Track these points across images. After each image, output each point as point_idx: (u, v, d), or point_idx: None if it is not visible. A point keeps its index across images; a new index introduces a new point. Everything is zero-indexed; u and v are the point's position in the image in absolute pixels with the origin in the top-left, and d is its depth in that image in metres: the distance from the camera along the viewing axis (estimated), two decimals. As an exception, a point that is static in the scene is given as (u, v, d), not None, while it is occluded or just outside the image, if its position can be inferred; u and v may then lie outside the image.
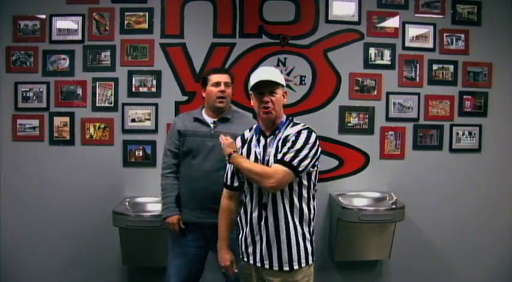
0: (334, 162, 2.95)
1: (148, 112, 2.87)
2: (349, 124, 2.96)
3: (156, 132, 2.86)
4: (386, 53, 2.96)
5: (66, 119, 2.86)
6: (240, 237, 1.84)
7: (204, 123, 2.27)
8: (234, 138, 1.92)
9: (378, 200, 2.85)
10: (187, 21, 2.87)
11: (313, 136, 1.72)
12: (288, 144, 1.69)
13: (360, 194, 2.89)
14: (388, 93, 2.97)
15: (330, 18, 2.92)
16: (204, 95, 2.31)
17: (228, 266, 1.87)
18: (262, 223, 1.73)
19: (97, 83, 2.86)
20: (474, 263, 3.05)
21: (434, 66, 2.99)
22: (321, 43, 2.92)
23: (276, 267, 1.71)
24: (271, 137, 1.78)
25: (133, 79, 2.87)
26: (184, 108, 2.77)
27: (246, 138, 1.88)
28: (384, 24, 2.96)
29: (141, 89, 2.88)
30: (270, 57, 2.89)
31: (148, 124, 2.87)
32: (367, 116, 2.96)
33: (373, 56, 2.95)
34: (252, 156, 1.79)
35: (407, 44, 2.97)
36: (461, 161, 3.03)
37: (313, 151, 1.70)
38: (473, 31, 3.00)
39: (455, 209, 3.01)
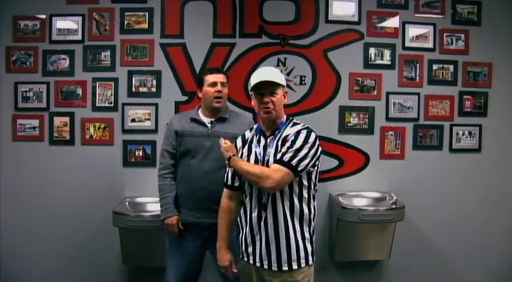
0: (334, 162, 2.95)
1: (148, 112, 2.87)
2: (349, 124, 2.96)
3: (156, 132, 2.86)
4: (386, 53, 2.96)
5: (66, 119, 2.86)
6: (240, 237, 1.84)
7: (201, 123, 2.27)
8: (232, 138, 1.91)
9: (378, 200, 2.85)
10: (187, 21, 2.87)
11: (313, 136, 1.72)
12: (287, 144, 1.69)
13: (360, 194, 2.89)
14: (388, 93, 2.97)
15: (330, 18, 2.92)
16: (200, 95, 2.31)
17: (227, 266, 1.87)
18: (262, 223, 1.73)
19: (97, 83, 2.86)
20: (474, 263, 3.05)
21: (434, 66, 2.99)
22: (321, 43, 2.92)
23: (274, 267, 1.71)
24: (271, 137, 1.78)
25: (133, 79, 2.87)
26: (184, 108, 2.77)
27: (246, 138, 1.88)
28: (383, 24, 2.96)
29: (141, 89, 2.88)
30: (270, 57, 2.89)
31: (148, 124, 2.87)
32: (367, 116, 2.96)
33: (373, 56, 2.95)
34: (253, 157, 1.78)
35: (407, 44, 2.98)
36: (461, 161, 3.03)
37: (313, 151, 1.70)
38: (473, 31, 3.00)
39: (455, 209, 3.01)
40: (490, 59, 3.02)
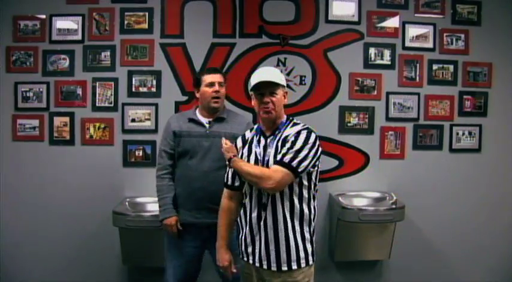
0: (334, 162, 2.95)
1: (148, 112, 2.87)
2: (349, 124, 2.96)
3: (156, 132, 2.86)
4: (386, 53, 2.96)
5: (66, 119, 2.86)
6: (240, 236, 1.84)
7: (199, 123, 2.27)
8: (231, 138, 1.91)
9: (378, 200, 2.85)
10: (187, 21, 2.87)
11: (313, 136, 1.72)
12: (288, 145, 1.69)
13: (360, 194, 2.89)
14: (388, 93, 2.97)
15: (330, 18, 2.92)
16: (197, 95, 2.31)
17: (226, 266, 1.87)
18: (261, 223, 1.73)
19: (97, 83, 2.86)
20: (474, 263, 3.05)
21: (434, 66, 2.99)
22: (321, 43, 2.92)
23: (274, 268, 1.71)
24: (271, 137, 1.78)
25: (133, 79, 2.87)
26: (184, 108, 2.76)
27: (246, 138, 1.88)
28: (383, 24, 2.96)
29: (141, 89, 2.88)
30: (270, 57, 2.89)
31: (148, 124, 2.87)
32: (367, 116, 2.96)
33: (373, 56, 2.95)
34: (253, 157, 1.78)
35: (407, 44, 2.97)
36: (461, 161, 3.03)
37: (313, 151, 1.70)
38: (473, 31, 3.00)
39: (455, 209, 3.01)
40: (490, 59, 3.01)
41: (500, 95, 3.03)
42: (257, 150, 1.79)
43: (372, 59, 2.95)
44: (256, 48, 2.89)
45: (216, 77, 2.26)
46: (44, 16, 2.85)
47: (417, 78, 2.99)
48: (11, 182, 2.85)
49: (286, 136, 1.73)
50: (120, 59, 2.86)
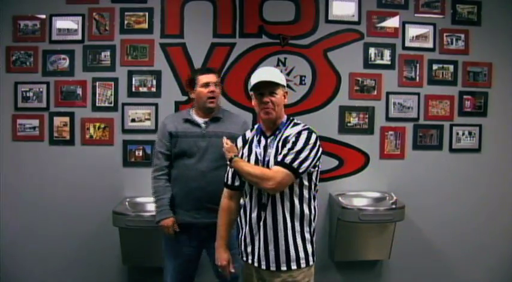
0: (334, 162, 2.95)
1: (148, 112, 2.87)
2: (349, 124, 2.96)
3: (156, 132, 2.84)
4: (386, 53, 2.96)
5: (66, 119, 2.86)
6: (239, 236, 1.84)
7: (195, 124, 2.27)
8: (229, 138, 1.92)
9: (378, 200, 2.85)
10: (187, 21, 2.87)
11: (314, 137, 1.72)
12: (288, 146, 1.69)
13: (360, 194, 2.89)
14: (388, 93, 2.97)
15: (329, 18, 2.92)
16: (192, 96, 2.31)
17: (224, 266, 1.87)
18: (261, 223, 1.72)
19: (97, 83, 2.86)
20: (474, 263, 3.05)
21: (434, 66, 2.99)
22: (321, 43, 2.92)
23: (273, 268, 1.71)
24: (272, 137, 1.78)
25: (133, 79, 2.87)
26: (184, 108, 2.75)
27: (247, 138, 1.88)
28: (383, 24, 2.96)
29: (141, 89, 2.88)
30: (270, 57, 2.89)
31: (148, 124, 2.87)
32: (367, 116, 2.96)
33: (373, 56, 2.95)
34: (253, 157, 1.78)
35: (407, 44, 2.97)
36: (461, 161, 3.03)
37: (314, 152, 1.70)
38: (473, 31, 3.00)
39: (455, 209, 3.01)
40: (490, 59, 3.01)
41: (500, 95, 3.03)
42: (257, 150, 1.79)
43: (372, 59, 2.95)
44: (256, 48, 2.89)
45: (211, 77, 2.26)
46: (44, 16, 2.85)
47: (417, 78, 2.99)
48: (11, 182, 2.85)
49: (287, 136, 1.73)
50: (120, 59, 2.86)
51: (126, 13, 2.86)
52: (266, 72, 1.77)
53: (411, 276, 3.03)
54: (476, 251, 3.04)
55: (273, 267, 1.71)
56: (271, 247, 1.71)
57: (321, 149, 1.75)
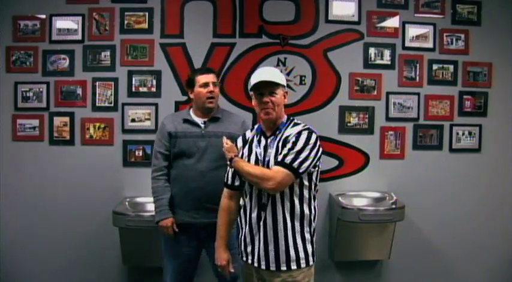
0: (334, 162, 2.95)
1: (148, 112, 2.87)
2: (349, 124, 2.96)
3: (156, 132, 2.85)
4: (386, 53, 2.96)
5: (66, 119, 2.86)
6: (239, 236, 1.84)
7: (194, 124, 2.27)
8: (229, 138, 1.92)
9: (378, 200, 2.85)
10: (187, 21, 2.87)
11: (314, 137, 1.72)
12: (289, 146, 1.69)
13: (360, 194, 2.89)
14: (388, 93, 2.97)
15: (329, 18, 2.92)
16: (191, 96, 2.31)
17: (224, 266, 1.87)
18: (261, 223, 1.72)
19: (97, 83, 2.86)
20: (474, 263, 3.05)
21: (434, 66, 2.99)
22: (321, 43, 2.92)
23: (273, 268, 1.71)
24: (272, 137, 1.78)
25: (133, 79, 2.87)
26: (184, 108, 2.76)
27: (247, 138, 1.88)
28: (383, 24, 2.96)
29: (141, 89, 2.87)
30: (270, 57, 2.89)
31: (148, 124, 2.87)
32: (367, 116, 2.96)
33: (373, 56, 2.95)
34: (253, 157, 1.78)
35: (407, 44, 2.97)
36: (461, 161, 3.03)
37: (314, 152, 1.70)
38: (473, 31, 3.00)
39: (455, 209, 3.01)
40: (490, 59, 3.01)
41: (500, 95, 3.03)
42: (258, 150, 1.79)
43: (372, 59, 2.95)
44: (256, 48, 2.89)
45: (210, 77, 2.26)
46: (43, 16, 2.85)
47: (417, 78, 2.99)
48: (11, 182, 2.85)
49: (287, 136, 1.73)
50: (120, 59, 2.86)
51: (126, 13, 2.86)
52: (266, 72, 1.77)
53: (411, 276, 3.03)
54: (476, 251, 3.04)
55: (272, 267, 1.71)
56: (271, 247, 1.71)
57: (321, 149, 1.74)
